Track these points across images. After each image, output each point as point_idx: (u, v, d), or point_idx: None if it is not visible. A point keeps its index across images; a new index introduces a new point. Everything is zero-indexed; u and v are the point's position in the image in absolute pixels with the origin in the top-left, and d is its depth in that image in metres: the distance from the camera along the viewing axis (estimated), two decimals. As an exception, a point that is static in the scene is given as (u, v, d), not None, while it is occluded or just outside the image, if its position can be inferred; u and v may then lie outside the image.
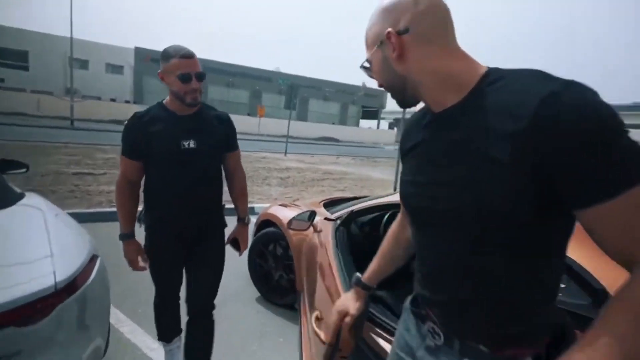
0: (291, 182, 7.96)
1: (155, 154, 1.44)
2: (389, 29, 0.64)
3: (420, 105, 0.75)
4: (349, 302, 0.97)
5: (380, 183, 9.11)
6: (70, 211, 3.55)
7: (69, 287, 1.13)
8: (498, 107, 0.56)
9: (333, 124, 38.86)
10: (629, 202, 0.48)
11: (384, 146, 33.40)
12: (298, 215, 2.21)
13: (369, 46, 0.71)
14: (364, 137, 38.33)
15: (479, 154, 0.58)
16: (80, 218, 2.28)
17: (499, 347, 0.65)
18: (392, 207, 2.03)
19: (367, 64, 0.73)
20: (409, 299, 0.84)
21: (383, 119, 56.16)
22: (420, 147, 0.72)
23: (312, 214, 2.15)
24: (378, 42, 0.67)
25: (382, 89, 0.74)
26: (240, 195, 1.72)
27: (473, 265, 0.63)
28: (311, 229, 2.22)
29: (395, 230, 0.96)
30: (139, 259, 1.57)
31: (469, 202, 0.59)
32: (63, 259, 1.19)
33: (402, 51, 0.65)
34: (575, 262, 1.03)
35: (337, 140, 32.61)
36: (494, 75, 0.60)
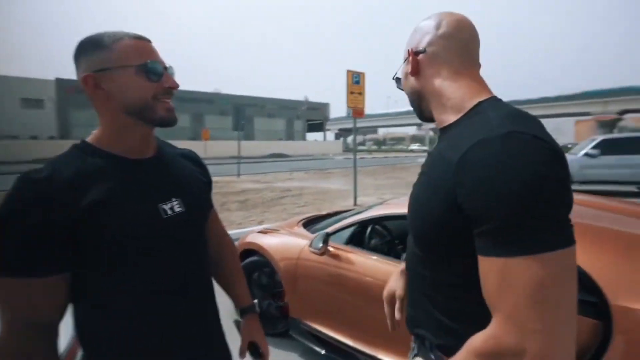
0: (251, 204, 7.80)
1: (111, 243, 0.70)
2: (410, 48, 0.73)
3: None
4: (393, 284, 0.95)
5: (339, 194, 9.29)
6: None
7: None
8: (454, 140, 0.61)
9: (280, 139, 38.98)
10: (505, 266, 0.50)
11: (333, 157, 34.13)
12: (314, 241, 2.17)
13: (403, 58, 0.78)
14: (312, 150, 38.87)
15: (430, 176, 0.66)
16: None
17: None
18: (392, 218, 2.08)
19: (399, 76, 0.81)
20: None
21: (328, 130, 57.61)
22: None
23: (327, 237, 2.13)
24: (404, 58, 0.76)
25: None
26: (236, 272, 1.09)
27: (420, 273, 0.71)
28: (300, 250, 2.21)
29: None
30: None
31: (414, 216, 0.69)
32: None
33: (416, 68, 0.72)
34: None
35: (286, 156, 32.65)
36: (479, 108, 0.64)
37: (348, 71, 7.30)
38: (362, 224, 2.21)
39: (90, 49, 0.72)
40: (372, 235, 2.36)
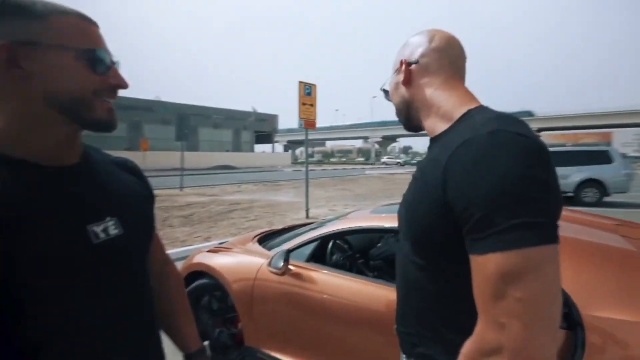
0: (196, 219, 7.29)
1: (17, 283, 0.50)
2: (403, 59, 0.76)
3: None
4: None
5: (290, 206, 9.11)
6: None
7: None
8: (444, 145, 0.63)
9: (227, 151, 37.76)
10: (487, 263, 0.50)
11: (282, 169, 33.90)
12: (273, 259, 1.97)
13: (392, 69, 0.81)
14: (260, 162, 38.24)
15: (421, 180, 0.68)
16: None
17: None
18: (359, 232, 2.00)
19: (387, 88, 0.83)
20: None
21: (277, 142, 57.28)
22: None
23: (288, 254, 1.95)
24: (395, 69, 0.79)
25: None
26: (182, 309, 0.88)
27: (422, 286, 0.69)
28: (257, 269, 2.01)
29: None
30: None
31: (409, 222, 0.69)
32: None
33: (408, 78, 0.75)
34: None
35: (233, 168, 31.67)
36: (467, 116, 0.66)
37: (300, 82, 7.27)
38: (324, 239, 2.08)
39: (15, 12, 0.53)
40: (334, 250, 2.24)
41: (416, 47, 0.75)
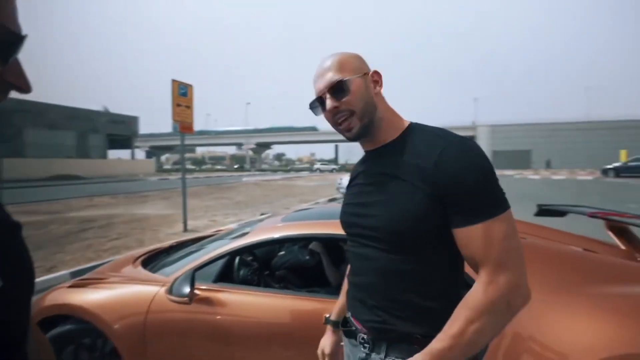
0: (34, 244, 5.64)
1: None
2: (370, 70, 0.82)
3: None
4: (324, 341, 1.06)
5: (162, 220, 8.06)
6: None
7: None
8: (415, 152, 0.76)
9: (70, 157, 30.97)
10: (483, 229, 0.69)
11: (145, 178, 29.98)
12: (174, 285, 1.60)
13: (346, 71, 0.79)
14: (117, 170, 32.94)
15: (398, 182, 0.76)
16: None
17: (417, 341, 0.75)
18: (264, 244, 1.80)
19: (339, 85, 0.79)
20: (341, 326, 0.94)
21: (138, 147, 50.24)
22: (358, 177, 0.89)
23: (193, 276, 1.61)
24: (360, 72, 0.80)
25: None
26: None
27: (387, 267, 0.78)
28: (151, 300, 1.63)
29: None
30: None
31: (391, 221, 0.75)
32: None
33: (381, 88, 0.83)
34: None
35: (79, 178, 26.27)
36: (413, 128, 0.82)
37: (174, 81, 6.53)
38: (233, 255, 1.85)
39: None
40: (240, 266, 2.03)
41: (365, 62, 0.84)
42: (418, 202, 0.72)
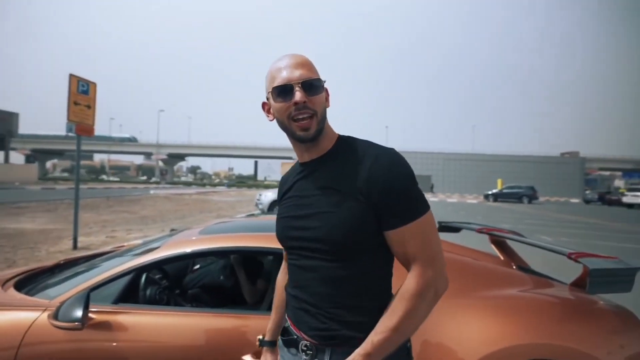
0: None
1: None
2: (321, 79, 0.83)
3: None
4: None
5: (43, 236, 6.80)
6: None
7: None
8: (348, 163, 0.81)
9: None
10: (415, 226, 0.77)
11: (23, 186, 25.14)
12: (62, 308, 1.35)
13: (316, 75, 0.82)
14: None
15: (334, 193, 0.80)
16: None
17: (359, 343, 0.77)
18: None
19: (315, 82, 0.82)
20: (279, 337, 0.94)
21: (14, 149, 42.00)
22: (292, 190, 0.89)
23: (87, 297, 1.37)
24: (320, 85, 0.82)
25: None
26: None
27: (331, 275, 0.80)
28: (26, 329, 1.34)
29: (281, 279, 1.05)
30: None
31: (330, 229, 0.78)
32: None
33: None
34: None
35: None
36: (344, 139, 0.87)
37: (72, 76, 5.72)
38: (140, 271, 1.65)
39: None
40: (147, 285, 1.82)
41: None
42: (355, 211, 0.77)
